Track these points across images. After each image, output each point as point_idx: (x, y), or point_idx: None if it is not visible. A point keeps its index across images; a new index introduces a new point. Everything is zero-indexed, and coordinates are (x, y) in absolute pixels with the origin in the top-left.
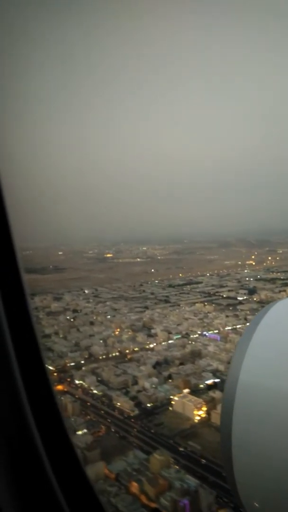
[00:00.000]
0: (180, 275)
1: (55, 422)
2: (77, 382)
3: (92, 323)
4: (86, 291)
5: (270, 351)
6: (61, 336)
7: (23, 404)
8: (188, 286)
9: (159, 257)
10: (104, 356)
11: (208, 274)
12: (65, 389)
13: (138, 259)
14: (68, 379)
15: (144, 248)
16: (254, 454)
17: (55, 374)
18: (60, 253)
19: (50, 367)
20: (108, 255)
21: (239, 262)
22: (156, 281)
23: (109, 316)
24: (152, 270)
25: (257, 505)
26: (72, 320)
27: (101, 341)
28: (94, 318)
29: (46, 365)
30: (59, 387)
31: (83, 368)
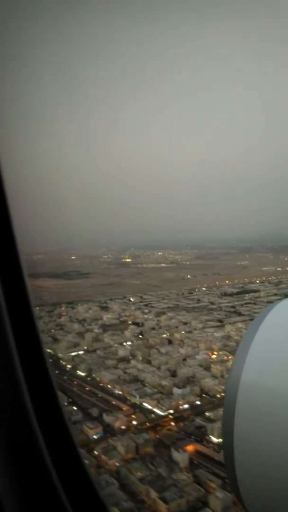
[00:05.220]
0: (227, 281)
1: (55, 416)
2: (215, 440)
3: (170, 342)
4: (131, 299)
5: (272, 352)
6: (140, 358)
7: (24, 398)
8: (246, 295)
9: (184, 263)
10: (223, 394)
11: (257, 282)
12: (211, 455)
13: (163, 264)
14: (206, 437)
15: (160, 253)
16: (255, 454)
17: (172, 423)
18: (73, 257)
19: (160, 412)
20: (127, 260)
21: (278, 269)
22: (204, 288)
23: (183, 332)
24: (188, 276)
25: (258, 504)
26: (140, 336)
27: (203, 369)
28: (168, 334)
29: (47, 361)
30: (190, 447)
31: (208, 414)
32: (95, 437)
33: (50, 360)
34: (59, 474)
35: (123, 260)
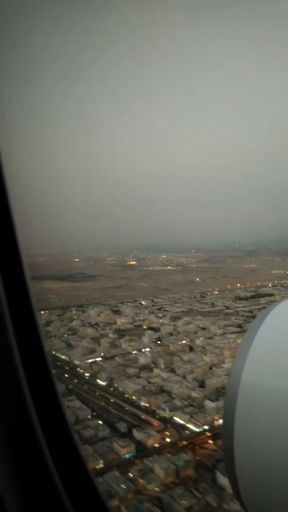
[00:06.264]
0: (238, 285)
1: (56, 414)
2: None
3: (191, 348)
4: (143, 303)
5: (272, 352)
6: (163, 366)
7: (25, 396)
8: (261, 299)
9: (191, 265)
10: None
11: (270, 285)
12: None
13: (169, 267)
14: None
15: (164, 256)
16: (256, 455)
17: (209, 441)
18: (76, 259)
19: (195, 428)
20: (132, 262)
21: None
22: (216, 292)
23: (202, 338)
24: (197, 279)
25: (258, 504)
26: (159, 342)
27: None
28: (187, 340)
29: (49, 361)
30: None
31: None
32: (127, 456)
33: (51, 359)
34: (59, 471)
35: (128, 262)
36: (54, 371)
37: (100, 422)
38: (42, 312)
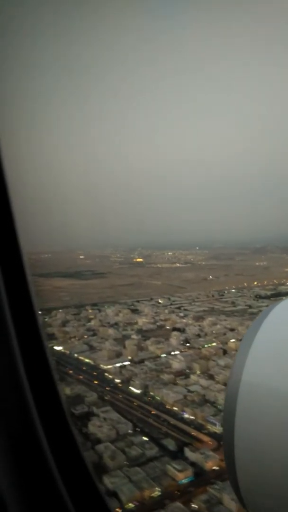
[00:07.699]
0: (255, 283)
1: (57, 414)
2: None
3: (225, 352)
4: (160, 301)
5: (272, 351)
6: (199, 372)
7: (26, 396)
8: (283, 297)
9: (199, 263)
10: None
11: None
12: None
13: (178, 264)
14: None
15: (170, 253)
16: (256, 454)
17: None
18: (81, 257)
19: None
20: (139, 260)
21: None
22: (233, 290)
23: (233, 340)
24: (210, 277)
25: (259, 504)
26: (188, 344)
27: None
28: (218, 343)
29: (49, 356)
30: None
31: None
32: (184, 481)
33: (52, 357)
34: (61, 471)
35: (134, 260)
36: (54, 369)
37: (145, 438)
38: (57, 311)
